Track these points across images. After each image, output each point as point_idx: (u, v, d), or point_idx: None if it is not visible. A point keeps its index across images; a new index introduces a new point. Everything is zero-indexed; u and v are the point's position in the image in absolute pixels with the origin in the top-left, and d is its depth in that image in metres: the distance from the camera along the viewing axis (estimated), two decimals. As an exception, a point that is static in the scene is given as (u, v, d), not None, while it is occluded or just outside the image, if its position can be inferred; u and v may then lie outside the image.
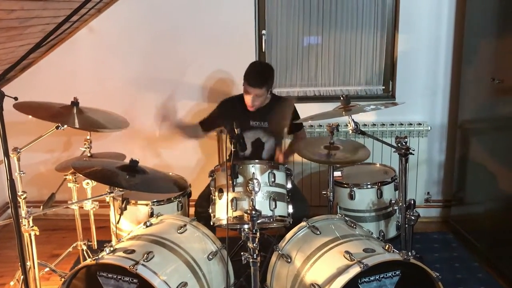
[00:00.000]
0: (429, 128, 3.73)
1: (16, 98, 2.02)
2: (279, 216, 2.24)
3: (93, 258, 2.11)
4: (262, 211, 2.12)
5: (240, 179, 2.21)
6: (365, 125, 3.71)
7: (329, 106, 3.81)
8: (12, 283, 2.76)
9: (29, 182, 4.08)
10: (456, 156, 3.74)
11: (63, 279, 2.18)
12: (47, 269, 2.88)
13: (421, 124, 3.73)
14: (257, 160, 2.27)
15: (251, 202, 2.09)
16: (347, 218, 2.51)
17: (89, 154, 2.87)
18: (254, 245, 2.02)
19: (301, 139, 3.30)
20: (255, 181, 2.15)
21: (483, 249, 3.32)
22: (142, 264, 2.07)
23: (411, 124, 3.73)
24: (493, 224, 3.21)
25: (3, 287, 3.04)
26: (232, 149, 2.13)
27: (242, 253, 2.06)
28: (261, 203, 2.19)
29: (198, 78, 3.83)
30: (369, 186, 2.92)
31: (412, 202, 2.55)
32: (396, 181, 2.98)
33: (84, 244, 3.01)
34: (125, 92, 3.85)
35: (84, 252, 3.00)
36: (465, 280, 3.08)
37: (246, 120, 3.06)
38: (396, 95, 3.80)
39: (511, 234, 2.97)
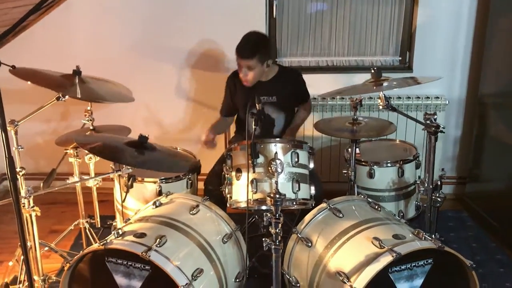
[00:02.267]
0: (447, 102, 3.55)
1: (13, 67, 1.81)
2: (302, 199, 2.07)
3: (101, 243, 1.94)
4: (285, 194, 1.94)
5: (260, 159, 2.03)
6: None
7: (342, 77, 3.67)
8: (11, 263, 2.59)
9: (26, 153, 3.84)
10: (474, 131, 3.58)
11: (68, 264, 2.01)
12: (47, 248, 2.71)
13: (438, 98, 3.55)
14: (279, 139, 2.07)
15: (274, 185, 1.91)
16: (370, 200, 2.36)
17: (91, 127, 2.66)
18: (277, 230, 1.86)
19: (306, 110, 3.09)
20: (277, 161, 1.98)
21: (500, 229, 3.20)
22: (155, 250, 1.92)
23: (428, 97, 3.55)
24: (510, 202, 3.08)
25: (1, 265, 2.89)
26: (253, 127, 1.94)
27: (263, 239, 1.90)
28: (284, 185, 2.02)
29: (203, 45, 3.59)
30: (389, 165, 2.76)
31: (439, 183, 2.41)
32: (418, 159, 2.82)
33: (87, 221, 2.84)
34: (125, 59, 3.60)
35: (87, 230, 2.84)
36: (483, 262, 2.95)
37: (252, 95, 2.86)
38: (413, 66, 3.60)
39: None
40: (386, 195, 2.77)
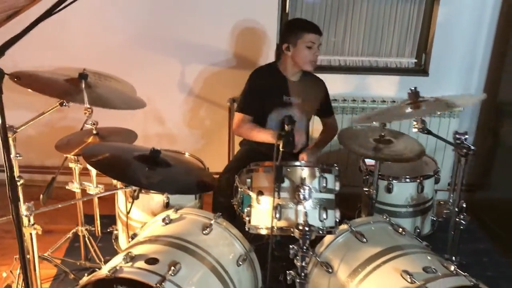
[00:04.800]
0: (462, 109, 3.42)
1: (18, 78, 1.61)
2: (330, 227, 1.93)
3: (111, 271, 1.78)
4: (312, 222, 1.80)
5: (286, 183, 1.87)
6: (384, 101, 3.38)
7: (356, 79, 3.50)
8: (4, 274, 2.42)
9: (17, 144, 3.67)
10: (487, 139, 3.47)
11: (72, 290, 1.85)
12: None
13: (453, 104, 3.41)
14: (304, 162, 1.91)
15: (301, 214, 1.76)
16: (392, 222, 2.23)
17: (95, 132, 2.45)
18: (304, 264, 1.73)
19: (333, 129, 2.94)
20: (306, 188, 1.82)
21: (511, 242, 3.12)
22: (169, 280, 1.76)
23: (443, 103, 3.41)
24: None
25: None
26: (281, 149, 1.77)
27: (288, 272, 1.77)
28: (311, 212, 1.87)
29: (210, 39, 3.39)
30: (408, 180, 2.63)
31: (464, 205, 2.29)
32: (437, 174, 2.70)
33: (86, 229, 2.66)
34: (125, 51, 3.38)
35: (86, 239, 2.67)
36: (495, 279, 2.88)
37: (279, 95, 2.70)
38: (429, 70, 3.45)
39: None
40: (403, 211, 2.66)
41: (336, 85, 3.33)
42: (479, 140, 3.60)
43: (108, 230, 2.79)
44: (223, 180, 2.63)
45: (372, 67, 3.50)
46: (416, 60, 3.51)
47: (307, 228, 1.67)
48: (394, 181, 2.61)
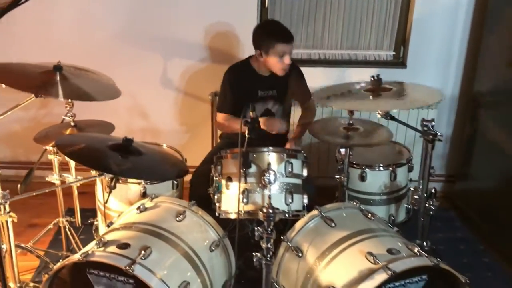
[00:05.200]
0: (440, 100, 3.48)
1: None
2: (296, 210, 1.99)
3: (82, 255, 1.84)
4: (278, 206, 1.86)
5: (252, 169, 1.93)
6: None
7: (335, 72, 3.56)
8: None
9: (2, 141, 3.72)
10: (466, 130, 3.53)
11: (47, 275, 1.90)
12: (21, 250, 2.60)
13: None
14: (271, 147, 1.97)
15: (267, 198, 1.82)
16: (362, 207, 2.29)
17: (72, 124, 2.51)
18: (269, 245, 1.78)
19: (311, 112, 3.02)
20: (271, 172, 1.88)
21: (489, 230, 3.18)
22: (139, 263, 1.82)
23: (421, 95, 3.47)
24: (501, 204, 3.05)
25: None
26: (246, 135, 1.83)
27: (254, 254, 1.82)
28: (276, 196, 1.92)
29: (191, 34, 3.44)
30: (382, 168, 2.69)
31: (434, 191, 2.35)
32: (410, 162, 2.75)
33: (67, 220, 2.72)
34: (110, 48, 3.44)
35: (67, 230, 2.72)
36: (470, 265, 2.94)
37: (254, 91, 2.77)
38: (407, 62, 3.51)
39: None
40: (377, 198, 2.71)
41: (317, 78, 3.38)
42: (458, 131, 3.66)
43: (89, 221, 2.84)
44: (200, 172, 2.69)
45: (352, 60, 3.56)
46: (394, 53, 3.57)
47: (270, 210, 1.72)
48: (367, 169, 2.67)
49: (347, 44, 3.56)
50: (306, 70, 3.32)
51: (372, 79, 2.04)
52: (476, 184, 3.42)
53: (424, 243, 2.41)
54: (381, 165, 2.69)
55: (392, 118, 2.02)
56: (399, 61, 3.57)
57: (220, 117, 2.87)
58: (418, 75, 3.46)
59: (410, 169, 2.78)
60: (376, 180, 2.69)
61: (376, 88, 2.03)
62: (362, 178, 2.68)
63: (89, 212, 2.92)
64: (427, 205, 2.34)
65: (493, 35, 3.20)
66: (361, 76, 3.50)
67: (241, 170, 1.87)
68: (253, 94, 2.77)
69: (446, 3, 3.37)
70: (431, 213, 2.37)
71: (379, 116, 2.02)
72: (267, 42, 2.65)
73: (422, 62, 3.51)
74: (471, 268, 2.90)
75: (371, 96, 2.02)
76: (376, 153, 2.88)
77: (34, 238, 2.79)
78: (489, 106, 3.29)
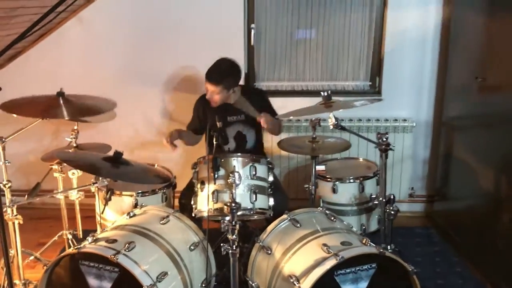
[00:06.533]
0: (414, 124, 3.78)
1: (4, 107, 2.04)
2: (260, 208, 2.28)
3: (75, 247, 2.15)
4: (243, 204, 2.16)
5: (222, 172, 2.24)
6: (351, 120, 3.76)
7: (316, 101, 3.89)
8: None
9: (18, 170, 4.10)
10: (440, 153, 3.79)
11: (45, 267, 2.21)
12: (32, 257, 2.90)
13: (406, 120, 3.77)
14: (239, 153, 2.30)
15: (232, 195, 2.12)
16: (327, 212, 2.56)
17: (75, 145, 2.89)
18: (234, 237, 2.07)
19: (279, 125, 3.26)
20: (236, 174, 2.19)
21: (463, 244, 3.37)
22: (123, 254, 2.11)
23: (396, 120, 3.77)
24: (473, 219, 3.26)
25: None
26: (214, 142, 2.16)
27: (222, 244, 2.10)
28: (242, 195, 2.23)
29: (185, 70, 3.85)
30: (351, 180, 2.97)
31: (392, 197, 2.61)
32: (378, 175, 3.03)
33: (70, 233, 3.04)
34: (113, 84, 3.85)
35: (70, 241, 3.03)
36: (443, 274, 3.13)
37: (224, 116, 3.05)
38: (382, 91, 3.84)
39: (489, 229, 3.02)
40: (348, 209, 2.97)
41: (299, 107, 3.71)
42: (434, 154, 3.91)
43: (90, 235, 3.14)
44: (188, 185, 3.01)
45: (332, 90, 3.87)
46: (370, 83, 3.91)
47: (233, 204, 2.02)
48: (337, 182, 2.95)
49: (326, 76, 3.92)
50: (289, 100, 3.68)
51: (323, 94, 2.38)
52: (452, 203, 3.63)
53: (388, 246, 2.65)
54: (351, 177, 2.97)
55: (343, 128, 2.33)
56: (375, 90, 3.90)
57: None
58: (393, 103, 3.78)
59: (378, 182, 3.04)
60: (346, 191, 2.97)
61: (328, 102, 2.37)
62: (334, 190, 2.96)
63: (92, 232, 3.22)
64: (387, 210, 2.60)
65: (456, 65, 3.51)
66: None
67: (208, 173, 2.18)
68: (223, 119, 2.99)
69: (414, 37, 3.73)
70: (392, 217, 2.62)
71: (331, 126, 2.33)
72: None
73: (396, 91, 3.82)
74: (444, 276, 3.10)
75: (324, 108, 2.35)
76: (348, 169, 3.17)
77: (41, 249, 3.10)
78: (459, 131, 3.54)
